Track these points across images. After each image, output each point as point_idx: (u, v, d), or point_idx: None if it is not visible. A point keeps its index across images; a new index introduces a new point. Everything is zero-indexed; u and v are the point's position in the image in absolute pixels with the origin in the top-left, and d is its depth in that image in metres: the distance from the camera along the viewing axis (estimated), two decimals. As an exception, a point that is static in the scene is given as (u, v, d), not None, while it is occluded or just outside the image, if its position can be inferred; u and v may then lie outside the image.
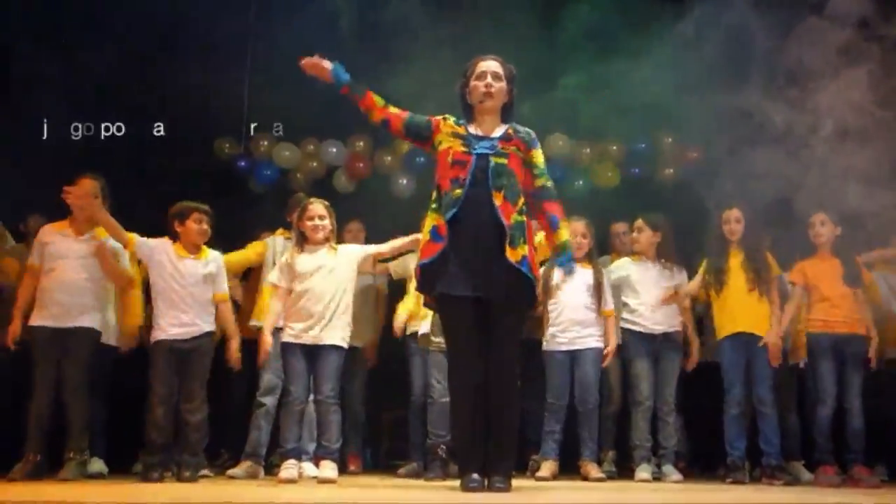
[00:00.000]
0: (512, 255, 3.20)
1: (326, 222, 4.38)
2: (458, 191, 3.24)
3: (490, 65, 3.41)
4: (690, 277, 4.98)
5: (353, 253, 4.47)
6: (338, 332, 4.31)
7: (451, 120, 3.46)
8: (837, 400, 4.55)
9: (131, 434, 4.46)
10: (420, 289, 3.38)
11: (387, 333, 5.56)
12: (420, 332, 4.73)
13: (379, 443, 5.99)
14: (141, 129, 6.54)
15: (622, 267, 5.02)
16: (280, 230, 5.15)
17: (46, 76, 6.18)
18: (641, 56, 5.52)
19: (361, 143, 6.56)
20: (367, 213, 5.78)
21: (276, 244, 5.03)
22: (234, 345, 4.41)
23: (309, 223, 4.36)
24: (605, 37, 5.63)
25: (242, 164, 6.55)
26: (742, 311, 4.66)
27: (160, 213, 4.74)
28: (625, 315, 4.91)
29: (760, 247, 4.79)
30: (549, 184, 3.42)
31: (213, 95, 6.69)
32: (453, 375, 3.32)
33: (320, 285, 4.28)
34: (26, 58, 6.18)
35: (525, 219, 3.30)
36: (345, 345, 4.36)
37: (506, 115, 3.46)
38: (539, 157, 3.43)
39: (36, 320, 4.24)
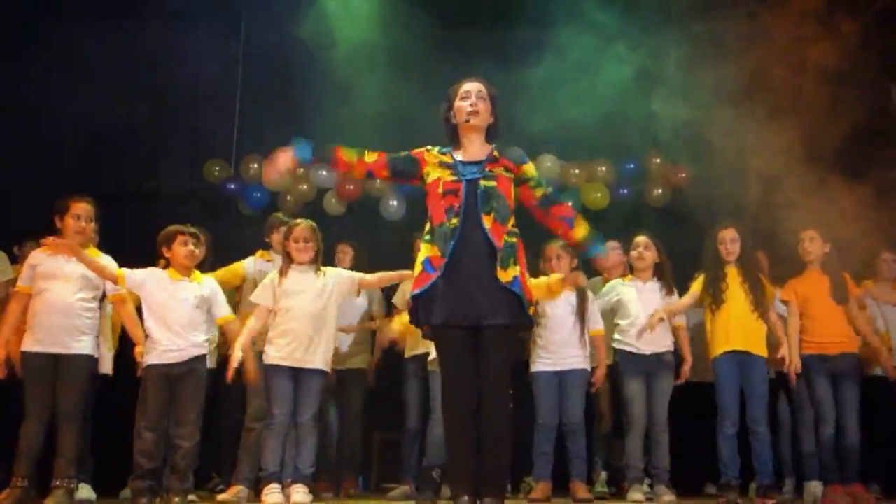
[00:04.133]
0: (503, 276, 3.16)
1: (312, 244, 4.38)
2: (455, 220, 3.20)
3: (474, 85, 3.38)
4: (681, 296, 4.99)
5: (341, 277, 4.45)
6: (322, 356, 4.29)
7: (436, 150, 3.39)
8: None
9: (120, 459, 4.40)
10: (413, 321, 3.30)
11: (383, 352, 5.56)
12: (430, 358, 4.69)
13: (370, 465, 5.94)
14: (131, 151, 6.56)
15: (613, 290, 5.01)
16: (259, 252, 5.14)
17: (38, 94, 6.21)
18: (630, 75, 5.60)
19: (351, 166, 6.56)
20: (358, 236, 5.78)
21: (254, 266, 5.01)
22: (232, 363, 4.26)
23: (294, 245, 4.36)
24: (593, 56, 5.68)
25: (232, 186, 6.55)
26: (739, 329, 4.63)
27: (150, 236, 4.73)
28: (617, 336, 4.90)
29: (755, 267, 4.81)
30: (549, 190, 3.40)
31: (203, 118, 6.75)
32: (447, 402, 3.25)
33: (305, 307, 4.27)
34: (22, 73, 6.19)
35: (516, 241, 3.26)
36: (328, 369, 4.35)
37: (491, 136, 3.41)
38: (531, 169, 3.39)
39: (29, 345, 4.16)
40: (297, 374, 4.24)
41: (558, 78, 5.62)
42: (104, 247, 4.58)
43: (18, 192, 5.90)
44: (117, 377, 4.69)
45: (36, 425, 4.07)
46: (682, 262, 5.37)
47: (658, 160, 6.42)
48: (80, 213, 4.26)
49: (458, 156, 3.35)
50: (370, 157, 3.37)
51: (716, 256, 4.77)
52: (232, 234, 6.29)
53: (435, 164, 3.33)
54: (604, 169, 6.48)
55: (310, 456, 4.26)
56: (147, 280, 4.23)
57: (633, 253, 4.95)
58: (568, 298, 4.77)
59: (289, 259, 4.39)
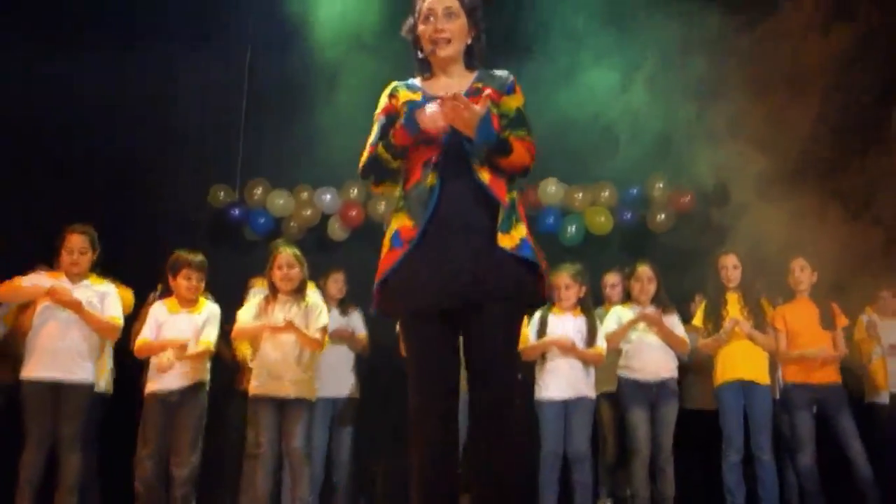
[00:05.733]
0: (507, 241, 2.40)
1: (296, 271, 4.33)
2: (432, 177, 2.45)
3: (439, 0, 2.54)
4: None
5: (318, 319, 4.36)
6: (305, 385, 4.28)
7: (402, 88, 2.62)
8: (838, 449, 4.52)
9: (124, 486, 4.39)
10: (377, 310, 2.54)
11: (377, 382, 5.53)
12: None
13: (374, 494, 5.89)
14: (135, 176, 6.59)
15: (615, 318, 4.96)
16: (259, 281, 5.13)
17: (42, 118, 6.24)
18: (632, 98, 5.61)
19: (355, 191, 6.58)
20: (361, 261, 5.75)
21: (256, 296, 4.99)
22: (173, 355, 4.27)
23: (278, 272, 4.33)
24: (596, 80, 5.69)
25: (236, 212, 6.56)
26: (742, 357, 4.64)
27: (154, 261, 4.74)
28: (620, 363, 4.88)
29: (756, 292, 4.80)
30: (519, 135, 2.52)
31: (208, 144, 6.78)
32: (420, 418, 2.41)
33: (286, 338, 4.26)
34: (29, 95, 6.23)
35: (517, 195, 2.53)
36: (313, 398, 4.34)
37: (472, 58, 2.62)
38: (511, 102, 2.55)
39: (29, 372, 4.17)
40: (280, 405, 4.24)
41: (561, 101, 5.63)
42: (109, 271, 4.61)
43: (24, 216, 5.92)
44: (119, 402, 4.70)
45: (36, 454, 4.07)
46: (686, 287, 5.37)
47: (661, 185, 6.42)
48: (73, 248, 4.29)
49: (430, 89, 2.58)
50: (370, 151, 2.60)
51: (717, 282, 4.78)
52: (236, 259, 6.31)
53: (405, 111, 2.54)
54: (607, 193, 6.47)
55: (306, 485, 4.26)
56: (157, 320, 4.32)
57: (637, 285, 4.89)
58: (577, 326, 4.75)
59: (273, 288, 4.36)
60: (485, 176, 2.44)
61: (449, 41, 2.54)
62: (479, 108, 2.39)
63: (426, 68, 2.63)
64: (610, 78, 5.69)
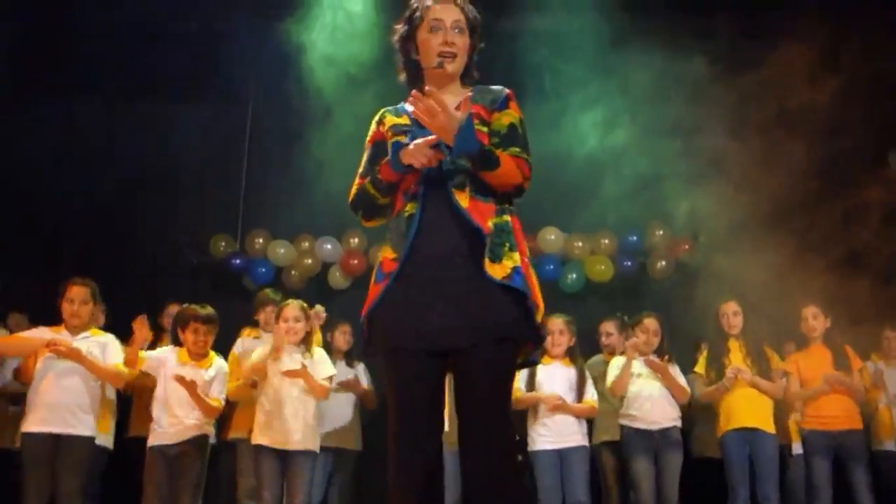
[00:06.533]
0: (496, 271, 2.22)
1: (301, 325, 4.34)
2: (410, 206, 2.32)
3: (449, 11, 2.41)
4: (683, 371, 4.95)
5: (324, 369, 4.40)
6: (309, 437, 4.24)
7: (389, 113, 2.50)
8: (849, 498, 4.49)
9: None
10: (368, 351, 2.40)
11: (376, 431, 5.48)
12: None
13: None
14: (137, 226, 6.63)
15: (617, 368, 4.94)
16: (246, 330, 5.12)
17: (45, 167, 6.29)
18: (631, 146, 5.67)
19: (356, 240, 6.61)
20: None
21: (241, 346, 4.96)
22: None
23: (283, 325, 4.33)
24: (596, 128, 5.75)
25: (237, 262, 6.58)
26: (746, 405, 4.60)
27: (155, 310, 4.74)
28: (622, 412, 4.84)
29: (759, 339, 4.79)
30: (512, 150, 2.35)
31: (210, 194, 6.84)
32: (399, 465, 2.31)
33: (290, 389, 4.25)
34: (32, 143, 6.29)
35: (510, 219, 2.34)
36: (317, 449, 4.30)
37: (467, 76, 2.51)
38: (503, 118, 2.39)
39: (29, 426, 4.12)
40: (283, 456, 4.20)
41: (560, 150, 5.69)
42: (111, 322, 4.61)
43: (25, 268, 5.94)
44: (122, 456, 4.66)
45: (35, 508, 4.02)
46: (686, 334, 5.36)
47: (661, 232, 6.45)
48: (74, 298, 4.30)
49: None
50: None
51: (718, 330, 4.77)
52: (237, 309, 6.29)
53: (391, 134, 2.43)
54: (607, 241, 6.50)
55: None
56: (163, 361, 4.29)
57: (643, 337, 4.83)
58: (567, 376, 4.74)
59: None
60: (464, 201, 2.28)
61: (455, 56, 2.42)
62: (459, 113, 2.24)
63: (418, 79, 2.47)
64: (610, 126, 5.76)
